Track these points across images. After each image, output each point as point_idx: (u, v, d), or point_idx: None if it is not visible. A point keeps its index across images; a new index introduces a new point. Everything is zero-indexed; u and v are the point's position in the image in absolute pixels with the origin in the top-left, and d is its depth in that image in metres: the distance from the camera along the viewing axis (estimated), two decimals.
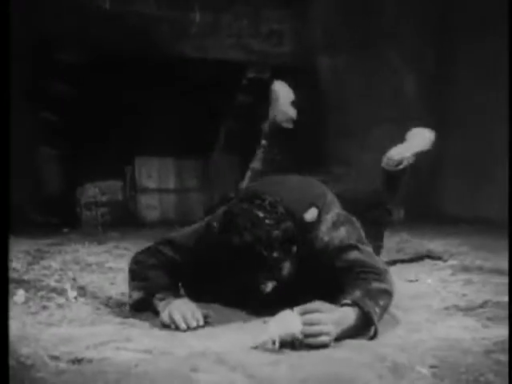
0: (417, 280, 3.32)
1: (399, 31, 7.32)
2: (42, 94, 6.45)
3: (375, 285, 2.25)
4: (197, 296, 2.48)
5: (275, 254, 2.27)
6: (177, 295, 2.47)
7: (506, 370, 1.76)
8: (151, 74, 6.55)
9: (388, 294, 2.29)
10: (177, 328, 2.25)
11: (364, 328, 2.14)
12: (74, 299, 2.76)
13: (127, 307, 2.58)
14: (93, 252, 4.40)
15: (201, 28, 7.00)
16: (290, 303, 2.12)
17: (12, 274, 3.23)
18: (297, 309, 2.02)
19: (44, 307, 2.65)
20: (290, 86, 4.50)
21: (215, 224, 2.37)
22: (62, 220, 6.18)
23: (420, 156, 3.69)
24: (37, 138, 6.47)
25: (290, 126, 3.78)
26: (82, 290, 3.02)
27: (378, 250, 3.01)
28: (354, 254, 2.40)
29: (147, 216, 6.73)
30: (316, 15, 7.41)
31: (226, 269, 2.33)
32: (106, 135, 6.42)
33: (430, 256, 4.15)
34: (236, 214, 2.30)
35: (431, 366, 1.79)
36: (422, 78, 7.41)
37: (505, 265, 3.59)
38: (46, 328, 2.30)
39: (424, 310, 2.59)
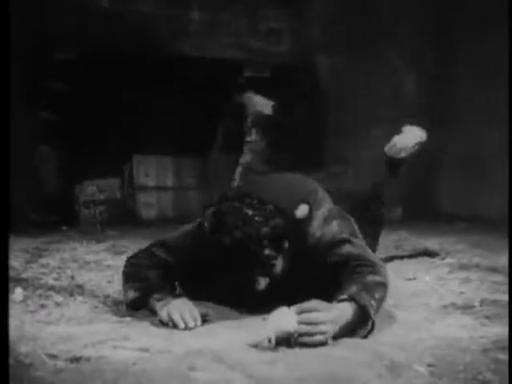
0: (414, 278, 3.33)
1: (399, 31, 7.32)
2: (40, 93, 6.45)
3: (370, 278, 2.26)
4: (194, 295, 2.48)
5: (266, 251, 2.29)
6: (174, 295, 2.47)
7: (504, 368, 1.76)
8: (150, 73, 6.54)
9: (383, 286, 2.30)
10: (175, 327, 2.25)
11: (362, 322, 2.14)
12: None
13: (124, 306, 2.58)
14: (91, 250, 4.40)
15: (199, 27, 7.00)
16: (286, 300, 2.12)
17: (10, 273, 3.23)
18: (293, 308, 2.03)
19: (42, 306, 2.65)
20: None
21: (206, 224, 2.38)
22: (60, 218, 6.18)
23: (417, 150, 3.72)
24: (35, 137, 6.47)
25: (269, 112, 3.82)
26: (80, 289, 3.02)
27: (373, 248, 3.01)
28: (347, 248, 2.42)
29: (145, 214, 6.73)
30: (315, 14, 7.41)
31: (219, 268, 2.34)
32: (104, 133, 6.42)
33: (428, 253, 4.16)
34: (225, 213, 2.31)
35: (429, 365, 1.80)
36: (422, 78, 7.41)
37: (502, 263, 3.60)
38: (44, 326, 2.30)
39: (422, 308, 2.59)
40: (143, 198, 6.79)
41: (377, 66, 7.30)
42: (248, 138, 3.99)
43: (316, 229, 2.47)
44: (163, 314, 2.30)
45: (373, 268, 2.33)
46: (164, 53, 6.77)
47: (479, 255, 4.05)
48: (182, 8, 6.93)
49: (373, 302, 2.17)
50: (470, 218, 6.22)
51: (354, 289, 2.18)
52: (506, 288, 2.91)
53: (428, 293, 2.92)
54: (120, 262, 3.62)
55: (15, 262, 3.69)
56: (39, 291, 2.92)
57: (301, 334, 1.99)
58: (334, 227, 2.49)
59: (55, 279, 3.28)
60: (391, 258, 3.82)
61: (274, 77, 7.22)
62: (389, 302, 2.66)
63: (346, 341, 2.05)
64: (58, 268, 3.61)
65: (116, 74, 6.44)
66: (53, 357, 1.90)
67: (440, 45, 7.20)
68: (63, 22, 6.39)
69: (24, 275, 3.37)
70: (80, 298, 2.82)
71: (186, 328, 2.24)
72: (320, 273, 2.40)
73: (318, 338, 1.99)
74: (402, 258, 3.99)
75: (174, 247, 2.58)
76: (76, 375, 1.74)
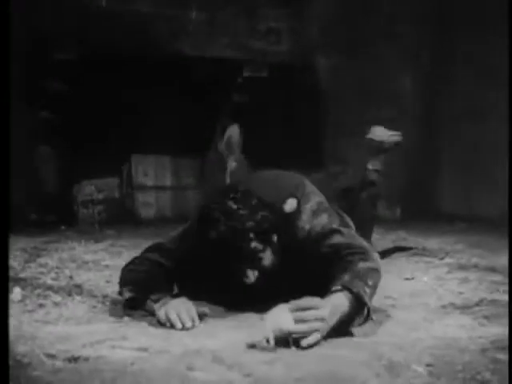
0: (413, 278, 3.33)
1: (398, 31, 7.32)
2: (40, 92, 6.45)
3: (362, 264, 2.28)
4: (191, 296, 2.48)
5: (253, 244, 2.31)
6: (172, 295, 2.47)
7: (503, 368, 1.76)
8: (149, 73, 6.54)
9: (376, 271, 2.32)
10: (172, 327, 2.25)
11: (358, 310, 2.16)
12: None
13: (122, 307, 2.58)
14: (89, 250, 4.40)
15: (199, 27, 7.00)
16: (281, 296, 2.14)
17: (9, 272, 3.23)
18: (287, 306, 2.02)
19: (40, 305, 2.65)
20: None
21: (194, 221, 2.40)
22: (58, 218, 6.18)
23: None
24: (34, 137, 6.47)
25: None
26: (79, 288, 3.02)
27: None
28: (336, 238, 2.44)
29: (144, 214, 6.73)
30: (314, 14, 7.41)
31: (210, 265, 2.36)
32: (103, 133, 6.42)
33: (400, 249, 4.18)
34: (211, 209, 2.34)
35: (427, 365, 1.79)
36: (421, 78, 7.41)
37: (501, 263, 3.61)
38: (42, 326, 2.30)
39: (421, 308, 2.60)
40: (142, 198, 6.79)
41: (376, 65, 7.30)
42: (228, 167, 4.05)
43: (305, 222, 2.50)
44: (161, 313, 2.30)
45: (364, 255, 2.36)
46: (163, 53, 6.76)
47: (478, 255, 4.06)
48: (182, 8, 6.93)
49: (366, 289, 2.19)
50: (469, 217, 6.22)
51: (346, 278, 2.20)
52: (505, 288, 2.91)
53: (427, 293, 2.92)
54: (118, 261, 3.62)
55: (14, 261, 3.69)
56: (37, 291, 2.92)
57: (295, 334, 1.99)
58: (324, 219, 2.52)
59: (53, 279, 3.28)
60: None
61: (273, 77, 7.22)
62: (387, 302, 2.67)
63: (344, 341, 2.05)
64: (57, 268, 3.61)
65: (115, 73, 6.44)
66: (51, 356, 1.90)
67: (439, 44, 7.20)
68: (63, 21, 6.39)
69: (22, 275, 3.37)
70: (78, 298, 2.81)
71: (184, 328, 2.24)
72: (312, 266, 2.41)
73: (313, 337, 1.99)
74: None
75: (169, 250, 2.60)
76: (74, 375, 1.74)
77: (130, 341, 2.07)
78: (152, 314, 2.37)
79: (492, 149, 6.31)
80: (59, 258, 4.01)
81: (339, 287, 2.15)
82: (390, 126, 7.26)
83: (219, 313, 2.46)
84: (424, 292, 2.95)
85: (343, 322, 2.12)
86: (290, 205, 2.51)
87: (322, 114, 7.39)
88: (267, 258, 2.37)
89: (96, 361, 1.86)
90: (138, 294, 2.45)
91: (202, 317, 2.33)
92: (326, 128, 7.44)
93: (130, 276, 2.56)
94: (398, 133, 3.73)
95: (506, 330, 2.12)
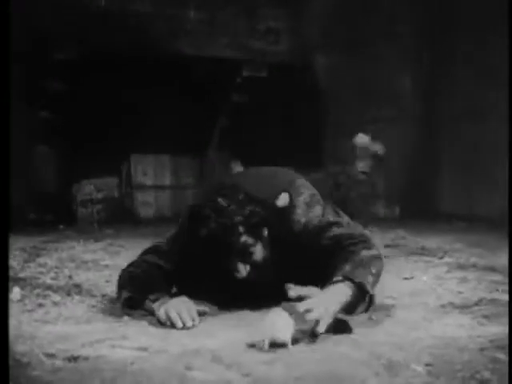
0: (412, 277, 3.33)
1: (397, 31, 7.32)
2: (39, 92, 6.45)
3: (365, 253, 2.33)
4: (190, 294, 2.48)
5: (243, 238, 2.34)
6: (171, 294, 2.47)
7: (502, 367, 1.76)
8: (148, 73, 6.55)
9: (379, 259, 2.37)
10: (173, 326, 2.25)
11: (360, 298, 2.20)
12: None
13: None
14: (88, 249, 4.40)
15: (198, 26, 7.00)
16: (279, 291, 2.19)
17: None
18: (284, 311, 2.03)
19: (40, 305, 2.65)
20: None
21: (184, 219, 2.43)
22: (58, 217, 6.18)
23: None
24: (33, 136, 6.47)
25: None
26: (78, 288, 3.02)
27: None
28: (335, 230, 2.48)
29: (143, 213, 6.73)
30: (313, 14, 7.41)
31: (204, 263, 2.39)
32: (102, 133, 6.42)
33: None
34: (200, 206, 2.38)
35: (427, 364, 1.80)
36: (420, 78, 7.41)
37: (500, 262, 3.61)
38: (41, 326, 2.30)
39: (420, 307, 2.60)
40: (141, 197, 6.79)
41: (375, 65, 7.30)
42: None
43: (300, 215, 2.52)
44: (161, 313, 2.30)
45: (366, 243, 2.40)
46: (163, 52, 6.77)
47: (477, 255, 4.06)
48: (181, 8, 6.93)
49: (370, 277, 2.23)
50: (468, 217, 6.22)
51: (347, 268, 2.24)
52: (504, 287, 2.91)
53: (426, 292, 2.93)
54: (118, 261, 3.63)
55: (13, 261, 3.69)
56: (37, 290, 2.92)
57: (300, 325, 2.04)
58: (318, 212, 2.55)
59: (53, 278, 3.28)
60: None
61: (272, 76, 7.22)
62: (387, 301, 2.67)
63: (344, 340, 2.05)
64: (56, 267, 3.62)
65: (115, 73, 6.44)
66: (50, 356, 1.90)
67: (438, 44, 7.20)
68: (63, 21, 6.40)
69: (22, 274, 3.37)
70: (77, 298, 2.82)
71: (184, 327, 2.24)
72: (312, 259, 2.45)
73: (321, 325, 2.04)
74: None
75: (165, 251, 2.61)
76: (74, 374, 1.74)
77: (129, 340, 2.07)
78: (152, 313, 2.37)
79: (492, 149, 6.31)
80: (58, 257, 4.01)
81: (340, 278, 2.19)
82: (389, 125, 7.30)
83: (218, 312, 2.46)
84: (423, 291, 2.95)
85: (345, 310, 2.16)
86: (283, 199, 2.55)
87: (321, 113, 7.39)
88: (258, 252, 2.40)
89: (95, 360, 1.86)
90: (136, 294, 2.45)
91: (202, 315, 2.33)
92: (326, 128, 7.45)
93: (127, 278, 2.56)
94: (381, 146, 3.71)
95: (505, 330, 2.12)
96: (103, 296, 2.82)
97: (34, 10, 6.18)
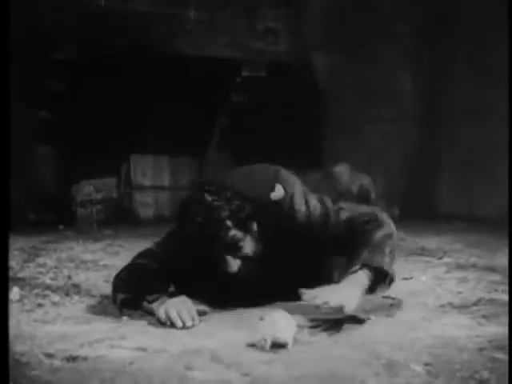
0: (411, 278, 3.33)
1: (397, 30, 7.32)
2: (39, 92, 6.44)
3: (378, 234, 2.42)
4: (188, 295, 2.48)
5: (232, 233, 2.37)
6: (169, 294, 2.47)
7: (501, 367, 1.76)
8: (147, 73, 6.54)
9: (391, 236, 2.46)
10: (172, 325, 2.25)
11: (381, 280, 2.36)
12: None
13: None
14: (88, 249, 4.40)
15: (197, 26, 7.00)
16: (277, 288, 2.31)
17: None
18: (284, 312, 2.04)
19: (39, 305, 2.65)
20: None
21: (174, 218, 2.47)
22: (57, 217, 6.18)
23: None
24: (33, 136, 6.47)
25: None
26: (77, 288, 3.02)
27: None
28: (342, 215, 2.55)
29: (142, 213, 6.73)
30: (313, 14, 7.40)
31: (197, 260, 2.42)
32: (101, 133, 6.42)
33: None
34: (187, 203, 2.42)
35: (426, 364, 1.80)
36: (420, 77, 7.41)
37: (499, 262, 3.61)
38: (41, 326, 2.30)
39: (419, 307, 2.60)
40: (140, 198, 6.79)
41: (375, 65, 7.30)
42: None
43: (299, 204, 2.56)
44: (160, 312, 2.30)
45: (377, 221, 2.48)
46: (162, 52, 6.76)
47: (477, 255, 4.06)
48: (180, 7, 6.93)
49: (386, 259, 2.37)
50: (468, 217, 6.22)
51: (365, 254, 2.36)
52: (504, 287, 2.91)
53: (425, 292, 2.93)
54: (117, 261, 3.62)
55: (12, 261, 3.68)
56: (36, 290, 2.92)
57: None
58: (314, 201, 2.60)
59: (52, 279, 3.28)
60: None
61: (271, 76, 7.22)
62: (386, 301, 2.67)
63: (343, 340, 2.05)
64: (55, 267, 3.62)
65: (114, 73, 6.44)
66: (50, 356, 1.90)
67: (439, 45, 7.19)
68: (62, 21, 6.39)
69: (21, 274, 3.37)
70: (77, 298, 2.82)
71: (184, 327, 2.24)
72: (318, 248, 2.53)
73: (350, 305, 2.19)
74: None
75: (158, 253, 2.63)
76: (73, 374, 1.74)
77: (128, 340, 2.07)
78: (150, 314, 2.37)
79: (492, 149, 6.30)
80: (58, 257, 4.01)
81: (358, 267, 2.31)
82: (389, 125, 7.30)
83: (216, 311, 2.47)
84: (422, 291, 2.95)
85: (366, 294, 2.32)
86: (278, 191, 2.58)
87: (321, 113, 7.39)
88: (247, 245, 2.43)
89: (95, 360, 1.86)
90: (131, 293, 2.45)
91: (202, 315, 2.34)
92: (325, 128, 7.44)
93: (121, 281, 2.56)
94: (367, 178, 3.62)
95: (504, 330, 2.13)
96: (102, 296, 2.82)
97: (33, 10, 6.18)
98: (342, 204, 2.64)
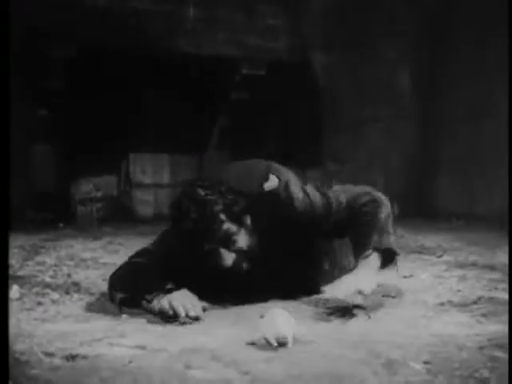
0: (411, 276, 3.33)
1: (396, 29, 7.32)
2: (38, 91, 6.44)
3: (381, 215, 2.51)
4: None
5: (226, 226, 2.40)
6: (168, 290, 2.47)
7: (501, 365, 1.76)
8: (146, 71, 6.54)
9: (390, 214, 2.55)
10: (176, 316, 2.27)
11: (390, 259, 2.48)
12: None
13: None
14: (87, 247, 4.40)
15: (196, 24, 6.99)
16: (275, 284, 2.37)
17: None
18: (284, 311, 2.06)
19: (39, 303, 2.65)
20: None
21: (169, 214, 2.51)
22: (57, 215, 6.18)
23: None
24: (32, 135, 6.47)
25: None
26: (77, 286, 3.02)
27: None
28: (342, 199, 2.58)
29: (142, 211, 6.73)
30: (312, 12, 7.40)
31: (192, 255, 2.43)
32: (101, 131, 6.42)
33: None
34: (180, 199, 2.43)
35: (425, 362, 1.79)
36: (420, 77, 7.41)
37: (498, 260, 3.61)
38: (40, 324, 2.30)
39: (419, 306, 2.60)
40: (140, 195, 6.79)
41: (375, 64, 7.30)
42: None
43: (297, 192, 2.58)
44: (164, 303, 2.32)
45: (375, 201, 2.55)
46: (161, 50, 6.76)
47: (476, 253, 4.06)
48: (179, 5, 6.92)
49: (391, 238, 2.48)
50: (468, 216, 6.22)
51: (375, 239, 2.45)
52: (503, 286, 2.91)
53: (425, 290, 2.92)
54: (116, 259, 3.62)
55: (12, 259, 3.69)
56: (36, 289, 2.92)
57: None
58: (312, 189, 2.63)
59: (51, 277, 3.28)
60: None
61: (271, 74, 7.21)
62: (386, 299, 2.67)
63: (343, 338, 2.05)
64: (55, 265, 3.62)
65: (113, 72, 6.44)
66: (49, 354, 1.89)
67: (439, 45, 7.19)
68: (62, 20, 6.39)
69: (20, 273, 3.37)
70: (76, 296, 2.82)
71: (187, 317, 2.27)
72: (321, 236, 2.60)
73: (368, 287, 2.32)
74: None
75: (155, 252, 2.64)
76: (72, 373, 1.74)
77: (128, 338, 2.07)
78: (150, 312, 2.38)
79: (492, 148, 6.31)
80: (57, 255, 4.01)
81: (371, 250, 2.42)
82: (389, 125, 7.30)
83: (216, 309, 2.47)
84: (422, 290, 2.95)
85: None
86: (272, 181, 2.60)
87: (320, 112, 7.39)
88: (242, 239, 2.45)
89: (94, 359, 1.86)
90: (131, 294, 2.45)
91: (203, 311, 2.35)
92: (325, 126, 7.44)
93: (119, 280, 2.57)
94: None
95: (503, 328, 2.13)
96: (102, 294, 2.82)
97: (32, 9, 6.18)
98: (336, 187, 2.68)
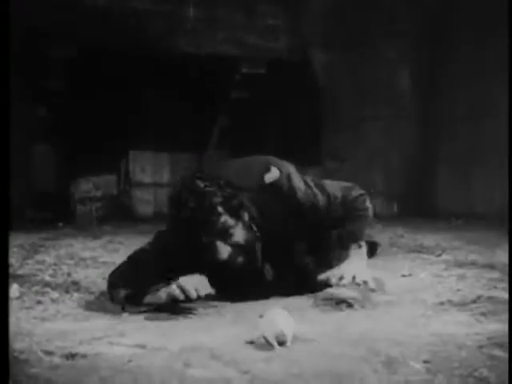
0: (410, 275, 3.33)
1: (396, 29, 7.32)
2: (37, 90, 6.44)
3: (369, 211, 2.71)
4: None
5: (223, 219, 2.41)
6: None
7: (500, 364, 1.76)
8: (146, 70, 6.54)
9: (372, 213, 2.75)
10: (186, 300, 2.31)
11: (374, 250, 2.73)
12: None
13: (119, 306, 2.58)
14: (87, 247, 4.40)
15: (196, 23, 6.99)
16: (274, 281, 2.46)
17: None
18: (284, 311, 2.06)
19: (38, 302, 2.65)
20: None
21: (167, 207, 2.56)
22: (56, 215, 6.18)
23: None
24: (32, 135, 6.47)
25: None
26: (76, 285, 3.02)
27: None
28: (336, 193, 2.69)
29: (141, 210, 6.73)
30: (312, 11, 7.40)
31: (190, 250, 2.44)
32: (100, 130, 6.42)
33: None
34: (179, 190, 2.45)
35: (425, 361, 1.79)
36: (420, 77, 7.41)
37: (498, 260, 3.61)
38: (40, 323, 2.30)
39: (419, 305, 2.60)
40: (140, 195, 6.79)
41: (374, 63, 7.30)
42: None
43: (299, 184, 2.63)
44: (173, 288, 2.34)
45: (362, 196, 2.73)
46: (161, 50, 6.76)
47: (476, 252, 4.06)
48: (179, 5, 6.92)
49: (376, 231, 2.76)
50: (467, 215, 6.23)
51: (366, 232, 2.65)
52: (502, 285, 2.91)
53: (424, 289, 2.92)
54: (116, 258, 3.62)
55: (12, 258, 3.69)
56: (35, 288, 2.92)
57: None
58: (310, 181, 2.71)
59: (51, 276, 3.28)
60: None
61: (271, 73, 7.21)
62: (385, 298, 2.67)
63: (342, 337, 2.05)
64: (54, 264, 3.62)
65: (113, 71, 6.44)
66: (49, 353, 1.89)
67: (439, 45, 7.19)
68: (61, 20, 6.39)
69: (20, 271, 3.37)
70: (76, 295, 2.82)
71: (198, 298, 2.32)
72: (321, 229, 2.66)
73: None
74: None
75: (153, 250, 2.64)
76: (72, 372, 1.74)
77: (127, 337, 2.07)
78: (155, 304, 2.39)
79: (491, 148, 6.31)
80: (57, 254, 4.01)
81: (363, 243, 2.62)
82: (389, 124, 7.30)
83: (216, 308, 2.47)
84: (422, 289, 2.94)
85: None
86: (274, 173, 2.62)
87: (319, 111, 7.38)
88: (238, 233, 2.46)
89: (94, 357, 1.86)
90: (136, 288, 2.45)
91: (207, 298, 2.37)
92: (325, 125, 7.44)
93: (121, 277, 2.57)
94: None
95: (503, 327, 2.12)
96: (101, 293, 2.82)
97: (33, 10, 6.17)
98: (327, 181, 2.75)
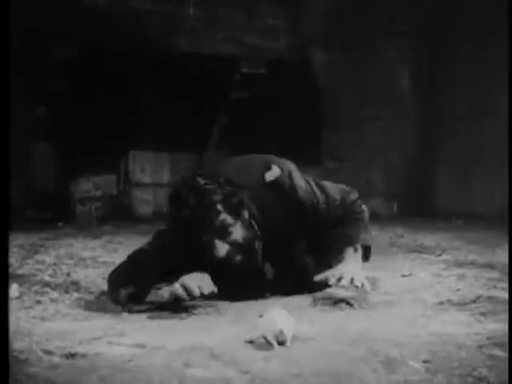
0: (410, 274, 3.33)
1: (396, 29, 7.32)
2: (37, 90, 6.44)
3: (366, 214, 2.77)
4: None
5: (222, 216, 2.40)
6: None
7: (500, 364, 1.76)
8: (146, 70, 6.54)
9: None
10: (189, 299, 2.32)
11: (368, 254, 2.75)
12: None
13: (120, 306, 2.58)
14: (87, 246, 4.40)
15: (196, 23, 6.99)
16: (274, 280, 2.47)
17: None
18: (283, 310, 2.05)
19: (38, 302, 2.65)
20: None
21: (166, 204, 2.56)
22: (56, 215, 6.18)
23: None
24: (32, 134, 6.47)
25: None
26: (76, 285, 3.02)
27: None
28: (335, 195, 2.71)
29: (141, 210, 6.73)
30: (312, 11, 7.40)
31: (189, 248, 2.43)
32: (100, 130, 6.42)
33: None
34: (179, 187, 2.45)
35: (424, 361, 1.79)
36: (419, 77, 7.41)
37: (497, 259, 3.61)
38: (39, 322, 2.30)
39: (418, 304, 2.60)
40: (139, 194, 6.79)
41: (374, 63, 7.30)
42: None
43: (300, 182, 2.64)
44: (176, 286, 2.34)
45: (359, 199, 2.76)
46: (161, 50, 6.76)
47: (475, 252, 4.06)
48: (179, 5, 6.92)
49: (371, 236, 2.77)
50: (467, 215, 6.23)
51: (362, 236, 2.70)
52: (502, 285, 2.91)
53: (424, 289, 2.92)
54: (116, 258, 3.62)
55: (11, 258, 3.69)
56: (35, 287, 2.92)
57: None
58: (308, 178, 2.73)
59: (51, 275, 3.28)
60: None
61: (271, 73, 7.21)
62: (385, 298, 2.67)
63: (342, 336, 2.05)
64: (54, 264, 3.62)
65: (113, 71, 6.44)
66: (48, 353, 1.89)
67: (439, 45, 7.19)
68: (61, 20, 6.39)
69: (20, 271, 3.37)
70: (75, 295, 2.82)
71: (202, 296, 2.33)
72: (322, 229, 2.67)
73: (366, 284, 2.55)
74: None
75: (152, 249, 2.64)
76: (71, 371, 1.74)
77: (127, 337, 2.07)
78: (157, 302, 2.39)
79: (491, 148, 6.32)
80: (57, 254, 4.01)
81: (359, 245, 2.67)
82: (389, 124, 7.30)
83: (216, 307, 2.47)
84: (421, 288, 2.94)
85: None
86: (275, 171, 2.64)
87: (319, 110, 7.39)
88: (237, 231, 2.45)
89: (93, 357, 1.86)
90: (138, 286, 2.45)
91: (210, 295, 2.37)
92: (325, 125, 7.44)
93: (122, 276, 2.57)
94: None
95: (502, 327, 2.12)
96: (101, 293, 2.82)
97: (33, 10, 6.17)
98: (326, 183, 2.76)
